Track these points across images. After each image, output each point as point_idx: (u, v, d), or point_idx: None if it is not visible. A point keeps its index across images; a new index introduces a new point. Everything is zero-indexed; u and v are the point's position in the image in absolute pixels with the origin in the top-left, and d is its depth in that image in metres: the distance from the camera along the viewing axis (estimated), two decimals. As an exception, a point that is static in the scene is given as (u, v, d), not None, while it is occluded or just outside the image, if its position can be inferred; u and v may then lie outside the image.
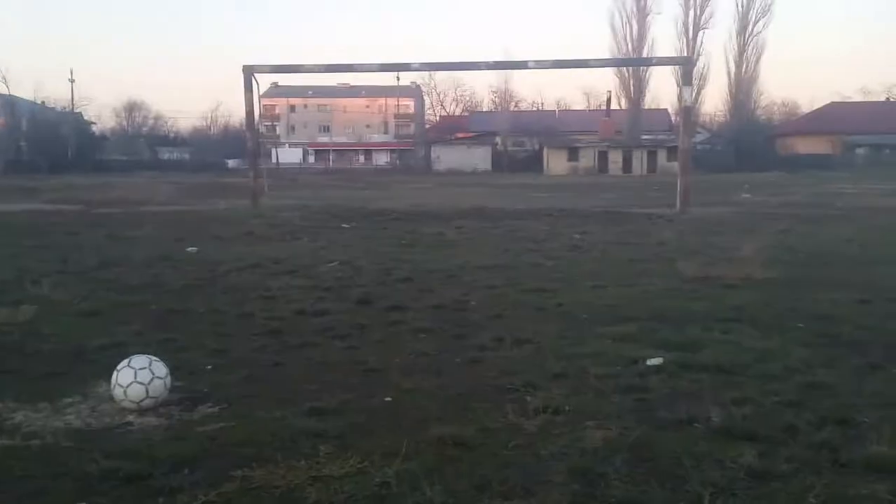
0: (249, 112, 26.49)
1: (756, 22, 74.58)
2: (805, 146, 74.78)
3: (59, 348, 6.53)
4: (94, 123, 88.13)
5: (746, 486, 3.71)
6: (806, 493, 3.60)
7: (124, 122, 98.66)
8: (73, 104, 78.73)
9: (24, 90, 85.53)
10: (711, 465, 3.93)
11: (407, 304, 8.45)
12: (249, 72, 25.64)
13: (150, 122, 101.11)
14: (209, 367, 6.02)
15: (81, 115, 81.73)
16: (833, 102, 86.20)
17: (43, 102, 77.51)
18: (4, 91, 71.52)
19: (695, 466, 3.91)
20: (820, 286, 9.49)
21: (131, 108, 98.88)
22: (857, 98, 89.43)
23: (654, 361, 5.92)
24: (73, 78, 79.12)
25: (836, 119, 77.49)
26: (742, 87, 76.58)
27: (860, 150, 73.83)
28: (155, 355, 5.19)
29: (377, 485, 3.77)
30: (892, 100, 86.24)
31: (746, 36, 74.98)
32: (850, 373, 5.69)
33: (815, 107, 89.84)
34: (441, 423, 4.53)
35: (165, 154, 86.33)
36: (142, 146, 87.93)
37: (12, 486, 3.82)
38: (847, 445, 4.17)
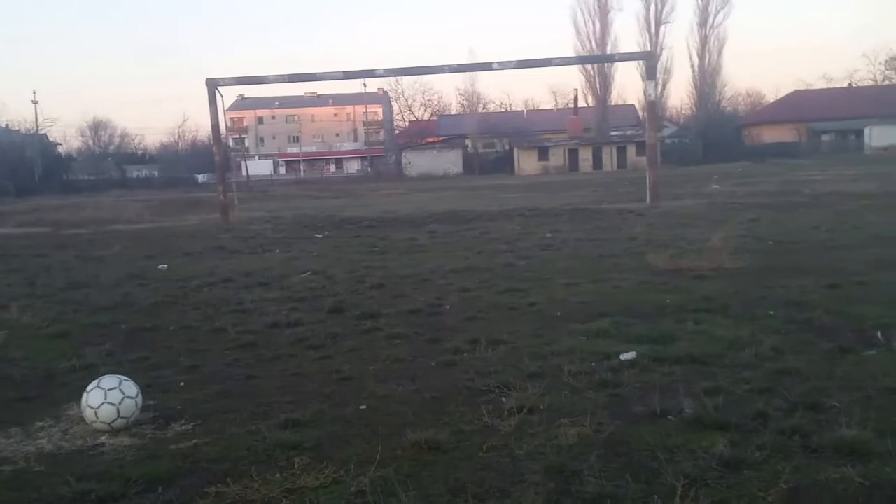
0: (215, 125, 26.34)
1: (716, 14, 75.18)
2: (771, 135, 75.57)
3: (30, 372, 6.45)
4: (60, 144, 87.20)
5: (718, 475, 3.74)
6: (777, 478, 3.64)
7: (90, 142, 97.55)
8: (37, 125, 77.83)
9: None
10: (684, 457, 3.96)
11: (380, 310, 8.44)
12: (213, 85, 25.50)
13: (117, 140, 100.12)
14: (182, 383, 5.98)
15: (46, 137, 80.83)
16: (797, 91, 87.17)
17: (7, 125, 76.63)
18: (-34, 116, 70.64)
19: (668, 459, 3.94)
20: (789, 273, 9.59)
21: (97, 126, 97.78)
22: (820, 85, 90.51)
23: (628, 356, 5.96)
24: (37, 99, 78.18)
25: (800, 107, 78.40)
26: (706, 80, 77.16)
27: (825, 137, 74.70)
28: (126, 375, 5.14)
29: (352, 494, 3.76)
30: (854, 86, 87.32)
31: (707, 28, 75.52)
32: (820, 358, 5.76)
33: (780, 95, 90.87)
34: (416, 429, 4.52)
35: (134, 172, 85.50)
36: (109, 165, 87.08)
37: (-17, 515, 3.78)
38: (818, 430, 4.22)
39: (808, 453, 3.98)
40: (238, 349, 7.01)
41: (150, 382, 5.98)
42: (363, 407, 5.15)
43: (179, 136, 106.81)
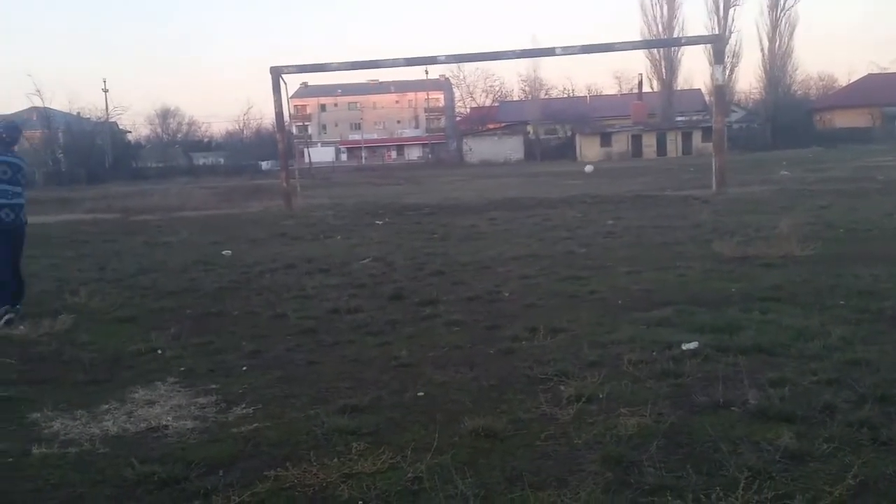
0: (279, 113, 26.65)
1: (788, -5, 73.19)
2: (843, 120, 73.45)
3: (97, 356, 6.60)
4: (129, 132, 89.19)
5: (783, 468, 3.64)
6: (844, 472, 3.52)
7: (159, 129, 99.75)
8: (107, 113, 79.63)
9: (58, 102, 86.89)
10: (748, 449, 3.86)
11: (440, 297, 8.43)
12: (277, 73, 25.78)
13: (184, 127, 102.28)
14: (244, 368, 6.06)
15: (116, 125, 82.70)
16: (870, 74, 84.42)
17: (78, 113, 78.54)
18: (39, 104, 72.45)
19: (731, 450, 3.84)
20: (860, 261, 9.30)
21: (165, 114, 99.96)
22: (894, 69, 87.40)
23: (690, 345, 5.84)
24: (107, 87, 79.97)
25: (874, 91, 75.90)
26: (776, 63, 75.20)
27: (901, 122, 72.30)
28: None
29: (409, 480, 3.75)
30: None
31: (779, 10, 73.61)
32: (892, 349, 5.57)
33: (853, 79, 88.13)
34: (474, 416, 4.49)
35: (200, 159, 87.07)
36: (177, 152, 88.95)
37: (50, 495, 3.86)
38: (888, 423, 4.07)
39: (877, 446, 3.84)
40: (299, 335, 7.08)
41: (214, 367, 6.08)
42: (421, 393, 5.15)
43: (244, 123, 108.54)
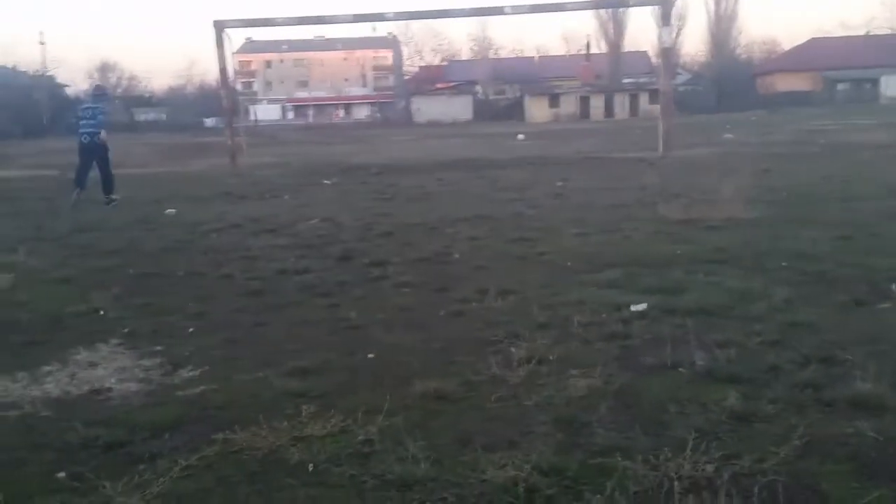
0: (223, 69, 25.98)
1: (734, -42, 73.88)
2: (786, 84, 74.60)
3: (37, 317, 6.42)
4: (68, 86, 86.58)
5: (730, 428, 3.69)
6: (790, 433, 3.58)
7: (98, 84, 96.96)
8: (44, 67, 77.16)
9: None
10: (695, 410, 3.91)
11: (389, 258, 8.37)
12: (220, 27, 25.09)
13: (125, 83, 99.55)
14: (190, 329, 5.95)
15: (54, 79, 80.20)
16: (813, 38, 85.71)
17: (14, 67, 75.97)
18: (-28, 57, 70.01)
19: (678, 411, 3.90)
20: (802, 224, 9.47)
21: (104, 69, 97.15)
22: (838, 33, 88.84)
23: (638, 307, 5.89)
24: (44, 41, 77.50)
25: (816, 56, 77.16)
26: (721, 26, 76.09)
27: (841, 86, 73.69)
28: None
29: (360, 442, 3.73)
30: (871, 34, 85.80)
31: (725, -26, 74.28)
32: (833, 310, 5.68)
33: (796, 44, 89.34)
34: (424, 378, 4.48)
35: (141, 115, 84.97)
36: (117, 108, 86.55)
37: (-10, 459, 3.76)
38: (831, 384, 4.16)
39: (821, 407, 3.92)
40: (246, 296, 6.98)
41: (158, 328, 5.96)
42: (371, 356, 5.11)
43: (187, 79, 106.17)
